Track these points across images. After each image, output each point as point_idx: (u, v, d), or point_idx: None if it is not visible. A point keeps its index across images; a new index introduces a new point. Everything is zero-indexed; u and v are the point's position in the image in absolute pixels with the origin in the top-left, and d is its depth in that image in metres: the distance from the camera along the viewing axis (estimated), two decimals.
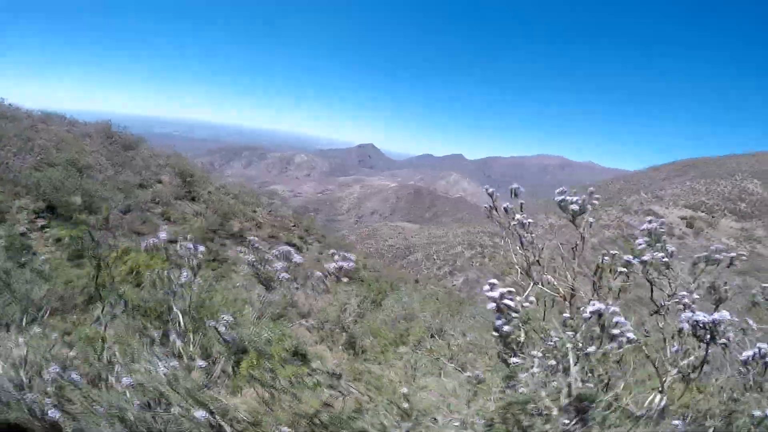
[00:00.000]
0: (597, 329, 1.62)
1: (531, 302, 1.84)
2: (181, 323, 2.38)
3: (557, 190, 1.94)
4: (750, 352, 1.46)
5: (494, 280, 1.68)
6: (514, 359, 1.66)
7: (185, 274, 2.43)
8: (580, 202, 1.77)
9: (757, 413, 1.42)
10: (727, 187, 59.08)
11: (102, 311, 2.67)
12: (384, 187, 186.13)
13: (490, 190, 2.05)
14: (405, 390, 1.98)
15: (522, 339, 1.77)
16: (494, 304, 1.63)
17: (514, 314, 1.66)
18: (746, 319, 2.03)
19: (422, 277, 41.57)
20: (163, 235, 2.73)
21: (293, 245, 18.93)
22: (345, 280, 2.82)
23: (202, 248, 2.54)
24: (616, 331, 1.55)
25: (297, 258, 3.07)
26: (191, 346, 2.40)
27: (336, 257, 2.80)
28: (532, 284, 2.19)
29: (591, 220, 1.89)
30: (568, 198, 1.80)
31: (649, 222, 1.83)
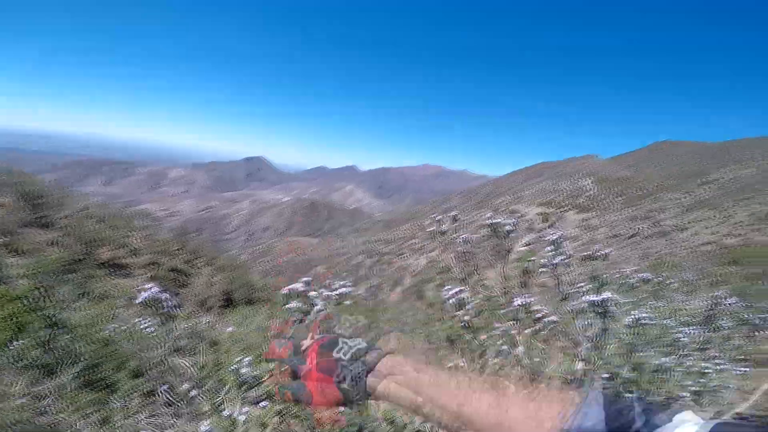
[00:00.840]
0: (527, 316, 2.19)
1: (479, 298, 2.34)
2: None
3: (487, 215, 2.43)
4: (630, 319, 2.09)
5: (450, 286, 2.17)
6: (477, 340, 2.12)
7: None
8: (511, 225, 2.26)
9: (656, 362, 2.04)
10: (569, 186, 71.69)
11: None
12: (277, 202, 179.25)
13: (439, 217, 2.43)
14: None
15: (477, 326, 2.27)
16: (452, 301, 2.10)
17: (468, 306, 2.14)
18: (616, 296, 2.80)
19: None
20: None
21: (179, 271, 17.24)
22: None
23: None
24: (539, 315, 2.14)
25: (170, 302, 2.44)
26: None
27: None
28: (469, 289, 2.68)
29: (513, 236, 2.44)
30: (502, 221, 2.28)
31: (553, 233, 2.43)
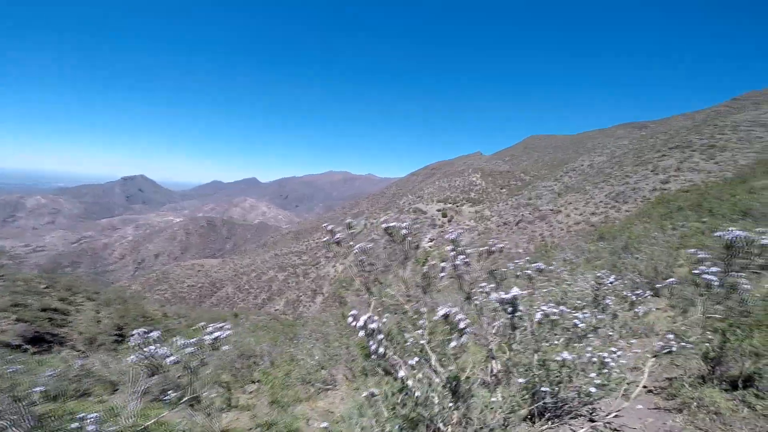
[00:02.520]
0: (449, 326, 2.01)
1: (385, 319, 2.07)
2: None
3: (382, 218, 2.18)
4: (539, 315, 1.99)
5: (355, 311, 1.88)
6: (402, 373, 1.88)
7: None
8: (407, 228, 2.04)
9: (560, 357, 1.95)
10: (461, 182, 78.01)
11: None
12: (168, 224, 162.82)
13: (330, 227, 2.14)
14: (325, 424, 1.97)
15: (391, 352, 2.00)
16: (363, 332, 1.84)
17: (379, 336, 1.87)
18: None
19: (241, 310, 39.28)
20: None
21: (53, 310, 14.50)
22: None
23: None
24: (462, 326, 1.96)
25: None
26: None
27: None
28: (374, 300, 2.42)
29: (410, 239, 2.23)
30: (397, 225, 2.04)
31: (452, 232, 2.27)
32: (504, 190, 71.61)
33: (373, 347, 1.83)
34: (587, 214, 38.42)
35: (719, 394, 2.87)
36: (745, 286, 2.38)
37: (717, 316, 2.65)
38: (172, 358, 1.77)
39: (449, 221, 62.08)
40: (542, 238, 36.89)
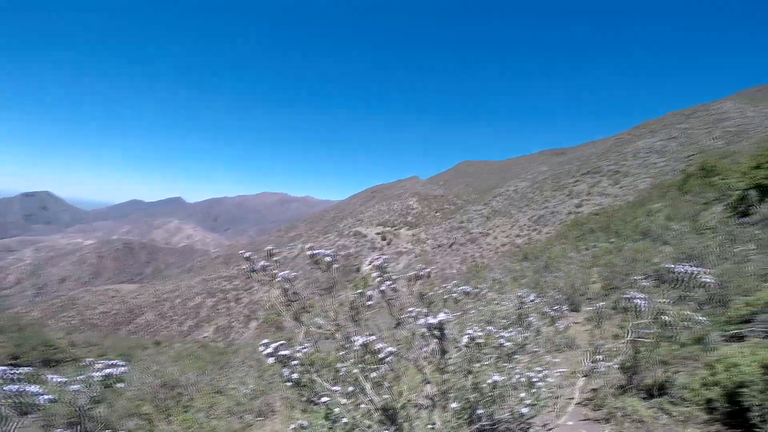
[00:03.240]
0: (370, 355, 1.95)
1: (307, 347, 1.96)
2: None
3: (307, 246, 2.08)
4: (466, 339, 1.99)
5: (266, 340, 1.82)
6: (324, 398, 1.82)
7: None
8: (332, 255, 1.99)
9: (492, 379, 1.96)
10: (399, 206, 79.92)
11: None
12: (76, 246, 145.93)
13: (247, 254, 2.01)
14: None
15: (315, 379, 1.95)
16: (273, 359, 1.76)
17: (293, 362, 1.79)
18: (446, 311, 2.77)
19: (164, 338, 36.56)
20: None
21: None
22: None
23: None
24: (382, 355, 1.92)
25: None
26: None
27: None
28: (303, 328, 2.30)
29: (336, 266, 2.14)
30: (321, 252, 1.98)
31: (377, 258, 2.23)
32: (438, 213, 74.49)
33: (287, 374, 1.75)
34: (513, 236, 41.17)
35: (639, 402, 3.08)
36: (669, 311, 2.62)
37: (644, 339, 2.88)
38: (46, 396, 1.51)
39: (388, 244, 62.83)
40: (473, 259, 38.70)
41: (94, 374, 1.93)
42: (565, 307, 3.87)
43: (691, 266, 2.40)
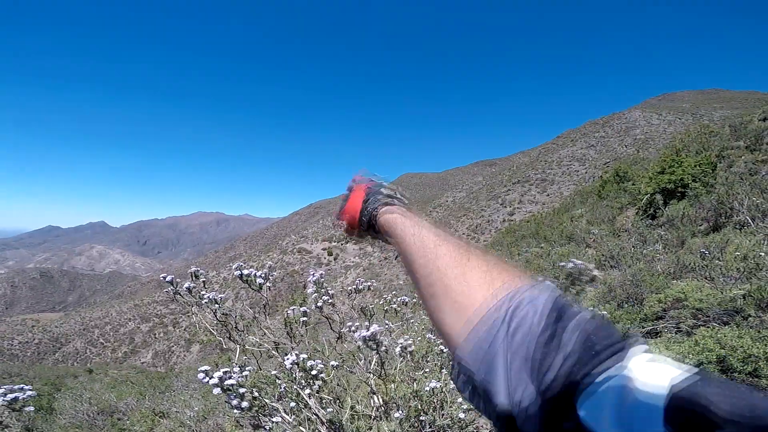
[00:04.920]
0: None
1: (247, 370, 1.86)
2: None
3: (234, 266, 1.96)
4: (399, 349, 1.97)
5: (206, 367, 1.76)
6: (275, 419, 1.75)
7: None
8: (263, 275, 1.90)
9: (430, 386, 1.95)
10: None
11: None
12: None
13: (169, 278, 1.86)
14: None
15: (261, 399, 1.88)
16: (219, 389, 1.66)
17: (241, 390, 1.69)
18: (387, 323, 2.76)
19: (96, 365, 33.75)
20: None
21: None
22: None
23: None
24: (314, 372, 1.87)
25: None
26: None
27: None
28: (239, 348, 2.19)
29: (269, 285, 2.03)
30: (251, 272, 1.88)
31: (313, 273, 2.16)
32: None
33: (235, 403, 1.65)
34: None
35: None
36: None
37: None
38: None
39: (335, 259, 62.02)
40: None
41: None
42: None
43: (581, 263, 2.62)
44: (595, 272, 2.64)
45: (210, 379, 1.68)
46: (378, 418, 2.29)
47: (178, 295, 2.26)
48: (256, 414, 1.92)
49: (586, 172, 42.31)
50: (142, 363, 44.95)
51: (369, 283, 2.40)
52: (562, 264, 2.73)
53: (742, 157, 9.91)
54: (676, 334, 3.78)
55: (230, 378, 1.71)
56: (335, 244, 67.25)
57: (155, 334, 55.23)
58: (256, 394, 1.99)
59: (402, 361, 2.34)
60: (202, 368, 1.76)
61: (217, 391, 1.69)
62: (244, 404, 1.71)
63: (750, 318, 3.21)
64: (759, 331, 2.77)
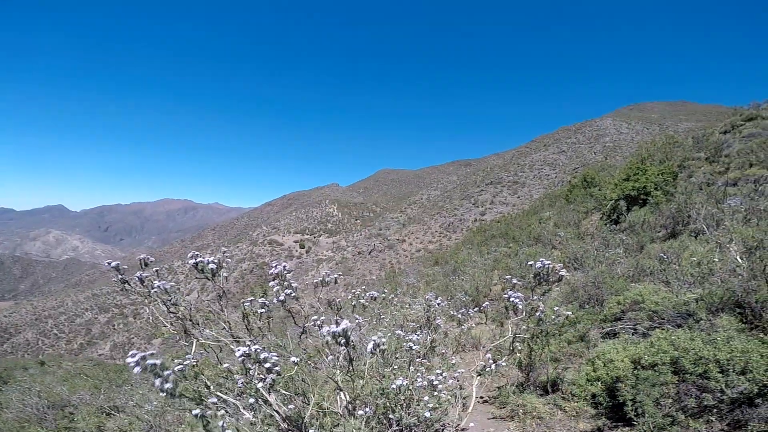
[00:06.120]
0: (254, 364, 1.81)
1: (190, 359, 1.76)
2: None
3: (189, 255, 1.84)
4: (371, 345, 1.92)
5: (135, 351, 1.62)
6: (195, 412, 1.64)
7: None
8: (216, 262, 1.78)
9: (396, 384, 1.90)
10: (319, 213, 78.71)
11: None
12: None
13: (114, 264, 1.72)
14: None
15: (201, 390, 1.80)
16: (139, 368, 1.58)
17: (165, 372, 1.61)
18: (356, 317, 2.69)
19: (49, 357, 31.94)
20: None
21: None
22: None
23: None
24: (268, 365, 1.78)
25: None
26: None
27: None
28: (195, 341, 2.08)
29: (225, 274, 1.93)
30: (204, 260, 1.76)
31: (275, 266, 2.07)
32: (358, 221, 74.88)
33: (158, 385, 1.57)
34: (426, 242, 43.06)
35: (536, 399, 3.27)
36: (541, 306, 2.82)
37: (524, 335, 3.07)
38: None
39: (307, 252, 61.25)
40: (391, 265, 39.57)
41: None
42: (471, 310, 4.05)
43: (547, 263, 2.64)
44: (563, 272, 2.66)
45: (133, 358, 1.58)
46: (344, 416, 2.23)
47: (127, 284, 2.12)
48: (189, 399, 1.83)
49: (556, 177, 43.60)
50: (100, 355, 43.16)
51: (336, 276, 2.32)
52: (530, 263, 2.73)
53: (702, 168, 10.45)
54: (633, 335, 3.91)
55: (153, 358, 1.62)
56: (308, 236, 66.47)
57: (114, 325, 52.96)
58: (208, 383, 1.90)
59: (372, 358, 2.29)
60: (132, 352, 1.66)
61: (137, 370, 1.60)
62: (168, 385, 1.63)
63: (701, 321, 3.35)
64: (709, 334, 2.89)
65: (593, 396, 3.01)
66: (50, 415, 6.70)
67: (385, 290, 3.28)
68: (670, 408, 2.50)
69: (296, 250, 61.63)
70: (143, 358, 1.57)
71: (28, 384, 8.33)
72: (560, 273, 2.61)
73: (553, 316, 2.88)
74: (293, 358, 2.05)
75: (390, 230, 53.72)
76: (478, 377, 2.44)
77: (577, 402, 3.13)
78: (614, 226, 9.35)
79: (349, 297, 2.74)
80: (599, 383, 2.95)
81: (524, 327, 2.92)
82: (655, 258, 5.71)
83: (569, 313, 2.93)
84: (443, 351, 3.41)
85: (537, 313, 2.76)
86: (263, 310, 1.98)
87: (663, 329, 3.28)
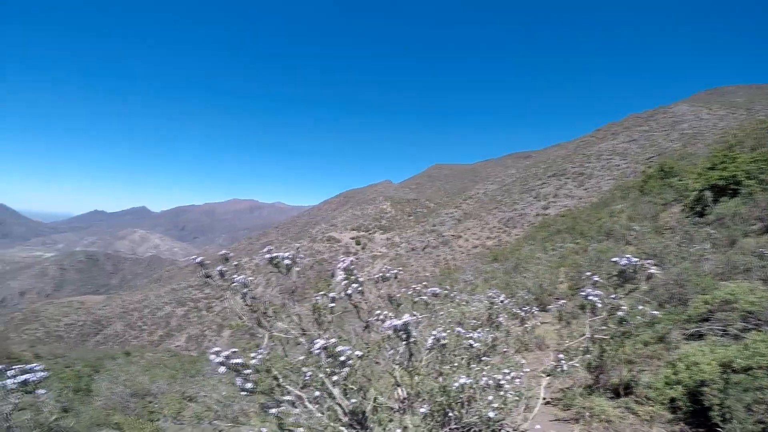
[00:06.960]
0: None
1: (262, 353, 1.87)
2: None
3: (265, 249, 1.98)
4: (431, 340, 1.93)
5: (218, 348, 1.73)
6: (272, 411, 1.71)
7: None
8: (290, 257, 1.90)
9: (459, 382, 1.91)
10: (373, 210, 79.87)
11: None
12: (36, 259, 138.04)
13: (199, 259, 1.90)
14: None
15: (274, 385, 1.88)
16: (224, 368, 1.68)
17: (246, 370, 1.70)
18: (416, 314, 2.71)
19: (134, 348, 36.05)
20: None
21: None
22: None
23: None
24: (342, 358, 1.85)
25: None
26: None
27: None
28: (267, 334, 2.21)
29: (297, 269, 2.04)
30: (279, 255, 1.89)
31: (343, 261, 2.15)
32: (411, 217, 74.89)
33: (240, 383, 1.67)
34: (483, 238, 41.91)
35: (606, 402, 3.09)
36: (623, 306, 2.65)
37: (602, 336, 2.91)
38: None
39: (363, 249, 62.55)
40: (446, 261, 39.10)
41: (7, 382, 1.85)
42: (534, 308, 3.90)
43: (634, 259, 2.45)
44: (653, 269, 2.47)
45: (217, 357, 1.71)
46: (401, 411, 2.27)
47: (209, 278, 2.31)
48: (265, 395, 1.94)
49: (627, 167, 40.28)
50: (176, 346, 46.56)
51: (396, 271, 2.36)
52: (615, 259, 2.56)
53: None
54: (722, 336, 3.55)
55: (237, 358, 1.73)
56: (364, 233, 67.75)
57: (189, 318, 57.71)
58: (278, 377, 1.99)
59: (429, 354, 2.30)
60: (214, 349, 1.79)
61: (222, 369, 1.72)
62: (249, 385, 1.74)
63: None
64: None
65: (672, 400, 2.83)
66: (132, 403, 7.42)
67: (447, 287, 3.26)
68: (763, 414, 2.26)
69: (352, 247, 63.13)
70: (227, 357, 1.69)
71: (116, 373, 9.31)
72: (650, 270, 2.43)
73: (639, 316, 2.69)
74: (357, 352, 2.11)
75: (444, 226, 53.07)
76: (548, 377, 2.35)
77: (653, 406, 2.93)
78: (698, 219, 8.45)
79: (410, 293, 2.76)
80: (680, 387, 2.77)
81: (603, 327, 2.76)
82: (750, 254, 5.08)
83: (656, 312, 2.72)
84: (505, 350, 3.32)
85: (619, 313, 2.59)
86: (333, 305, 2.07)
87: (760, 331, 2.94)
